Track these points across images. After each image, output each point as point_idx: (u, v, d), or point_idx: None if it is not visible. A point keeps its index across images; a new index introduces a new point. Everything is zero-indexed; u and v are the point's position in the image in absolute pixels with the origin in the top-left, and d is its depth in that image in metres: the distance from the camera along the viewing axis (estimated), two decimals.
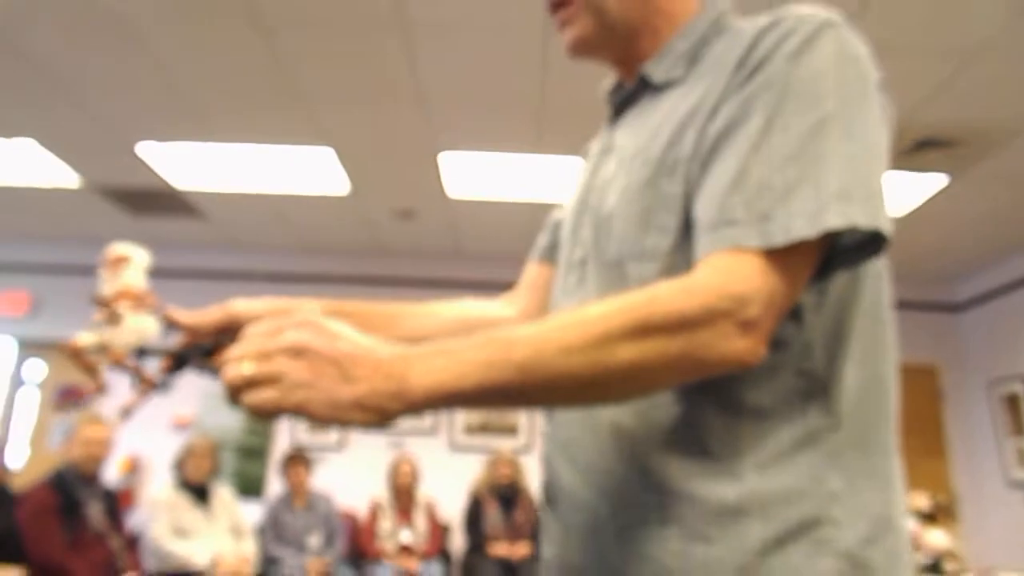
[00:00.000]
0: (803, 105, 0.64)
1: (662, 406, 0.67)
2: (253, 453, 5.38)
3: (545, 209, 3.72)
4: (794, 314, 0.66)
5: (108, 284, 0.84)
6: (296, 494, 4.30)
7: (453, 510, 4.76)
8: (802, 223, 0.60)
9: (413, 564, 4.19)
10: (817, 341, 0.67)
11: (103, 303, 0.83)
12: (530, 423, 5.53)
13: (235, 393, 0.57)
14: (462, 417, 5.47)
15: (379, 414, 0.55)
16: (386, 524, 4.39)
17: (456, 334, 0.63)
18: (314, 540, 4.12)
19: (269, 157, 4.08)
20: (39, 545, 2.83)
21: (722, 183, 0.64)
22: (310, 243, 5.56)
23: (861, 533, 0.63)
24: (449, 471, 5.05)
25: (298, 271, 5.71)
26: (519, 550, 4.29)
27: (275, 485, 4.92)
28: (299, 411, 0.55)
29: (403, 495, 4.49)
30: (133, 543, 3.47)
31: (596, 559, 0.70)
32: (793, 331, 0.66)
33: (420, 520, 4.46)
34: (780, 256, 0.60)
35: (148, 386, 0.81)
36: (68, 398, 5.54)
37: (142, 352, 0.81)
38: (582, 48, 0.85)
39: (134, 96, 3.52)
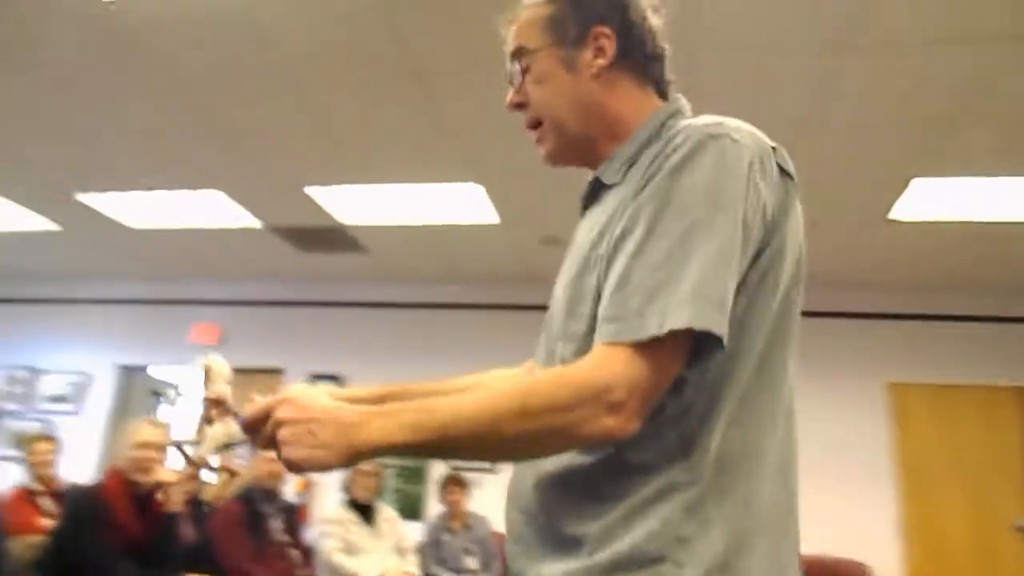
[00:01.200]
0: (676, 215, 0.76)
1: (567, 465, 0.82)
2: (413, 474, 5.60)
3: None
4: (676, 387, 0.77)
5: (204, 390, 1.01)
6: (454, 515, 4.41)
7: None
8: (655, 324, 0.72)
9: None
10: (694, 410, 0.78)
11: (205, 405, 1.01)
12: None
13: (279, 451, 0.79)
14: None
15: (338, 460, 0.75)
16: None
17: None
18: (471, 562, 4.21)
19: (424, 192, 4.31)
20: (229, 554, 3.11)
21: (611, 284, 0.78)
22: (462, 272, 5.77)
23: (698, 573, 0.74)
24: None
25: (450, 300, 5.93)
26: None
27: (434, 506, 5.08)
28: (301, 466, 0.76)
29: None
30: (309, 555, 3.72)
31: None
32: (675, 401, 0.78)
33: None
34: (644, 348, 0.73)
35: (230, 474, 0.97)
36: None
37: (227, 447, 0.97)
38: (554, 160, 1.01)
39: (301, 144, 3.86)
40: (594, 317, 0.81)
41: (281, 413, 0.78)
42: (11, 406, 6.38)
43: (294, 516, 3.55)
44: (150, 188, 4.56)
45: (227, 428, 0.95)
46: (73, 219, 5.14)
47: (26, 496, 3.50)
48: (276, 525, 3.33)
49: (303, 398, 0.79)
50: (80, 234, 5.43)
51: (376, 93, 3.27)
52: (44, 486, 3.55)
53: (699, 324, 0.73)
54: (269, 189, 4.44)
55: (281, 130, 3.72)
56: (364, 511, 3.84)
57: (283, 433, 0.77)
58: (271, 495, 3.36)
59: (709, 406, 0.79)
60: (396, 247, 5.27)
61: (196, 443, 0.97)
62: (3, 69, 3.32)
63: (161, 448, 2.83)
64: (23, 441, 3.97)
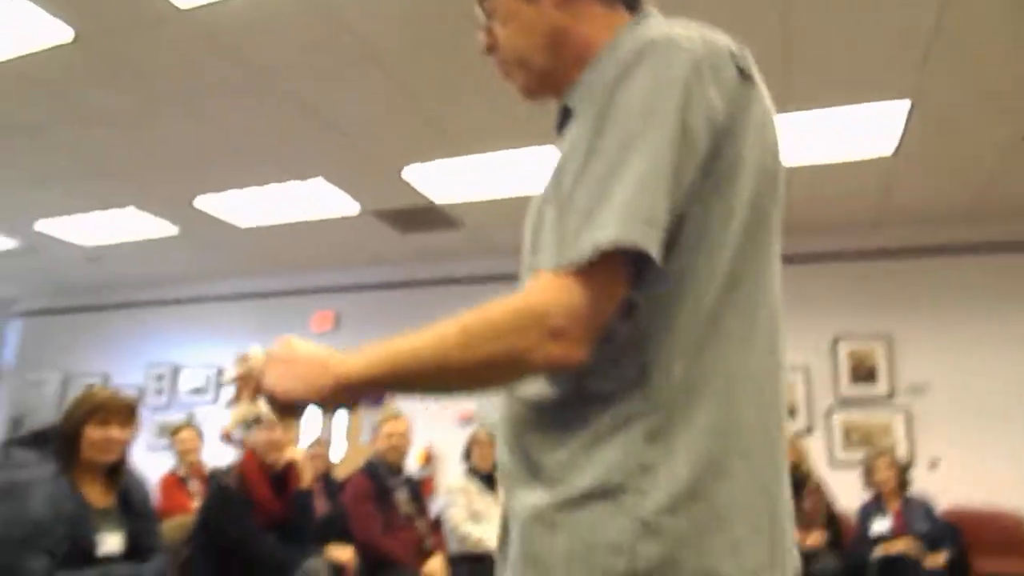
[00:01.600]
0: (613, 130, 0.73)
1: (537, 396, 0.81)
2: None
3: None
4: (628, 312, 0.74)
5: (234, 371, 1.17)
6: None
7: None
8: (586, 246, 0.70)
9: None
10: (652, 335, 0.75)
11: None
12: (809, 405, 5.11)
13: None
14: None
15: (314, 394, 0.79)
16: None
17: None
18: None
19: (515, 162, 4.27)
20: (361, 527, 3.25)
21: (557, 207, 0.76)
22: None
23: (660, 502, 0.71)
24: None
25: None
26: (810, 539, 3.97)
27: None
28: (288, 399, 0.81)
29: None
30: (436, 526, 3.83)
31: (507, 511, 0.85)
32: (629, 327, 0.75)
33: None
34: (582, 272, 0.70)
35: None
36: (370, 398, 6.32)
37: (250, 423, 1.06)
38: (529, 95, 0.99)
39: (394, 127, 3.91)
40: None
41: (272, 355, 0.85)
42: (157, 399, 6.94)
43: (418, 488, 3.65)
44: (260, 184, 4.77)
45: (251, 407, 1.02)
46: (190, 223, 5.47)
47: (176, 481, 3.79)
48: (402, 497, 3.44)
49: (294, 342, 0.84)
50: (197, 237, 5.78)
51: (454, 60, 3.24)
52: (191, 471, 3.83)
53: (623, 241, 0.69)
54: (367, 172, 4.54)
55: (372, 110, 3.77)
56: (486, 480, 3.91)
57: (270, 371, 0.83)
58: (395, 469, 3.47)
59: (668, 330, 0.76)
60: (492, 220, 5.29)
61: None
62: (114, 88, 3.54)
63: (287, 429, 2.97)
64: (170, 431, 4.30)
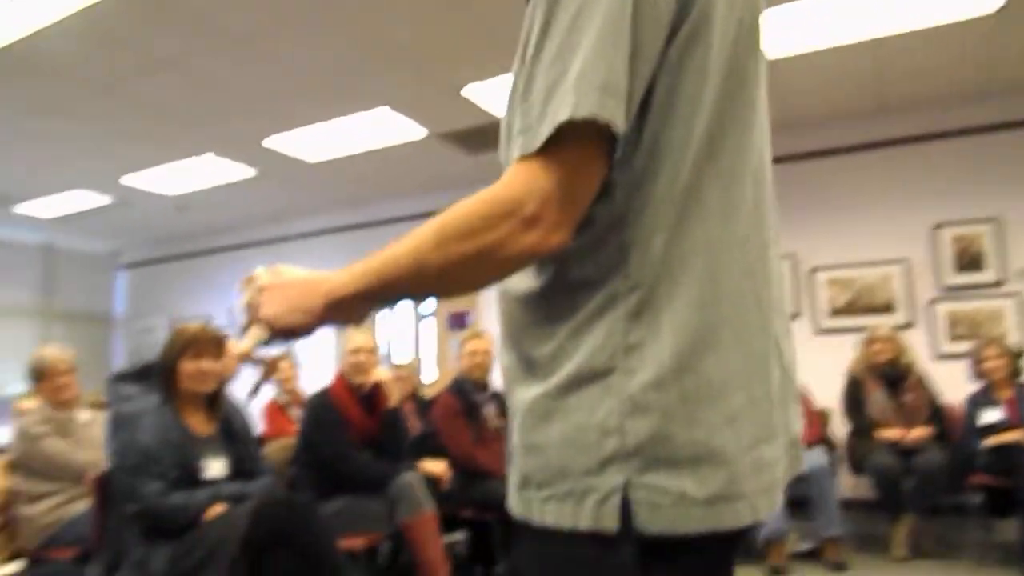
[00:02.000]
0: (564, 4, 0.68)
1: (525, 291, 0.80)
2: None
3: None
4: (606, 192, 0.71)
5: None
6: None
7: (827, 396, 4.43)
8: (546, 127, 0.66)
9: None
10: (629, 214, 0.72)
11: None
12: (909, 297, 4.84)
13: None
14: (825, 298, 5.02)
15: (308, 317, 0.80)
16: None
17: None
18: None
19: None
20: (452, 441, 3.34)
21: (517, 94, 0.72)
22: None
23: (647, 379, 0.70)
24: (817, 356, 4.69)
25: None
26: (914, 433, 3.82)
27: None
28: (279, 326, 0.83)
29: None
30: None
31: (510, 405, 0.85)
32: (606, 207, 0.72)
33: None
34: (549, 156, 0.67)
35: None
36: (455, 321, 6.44)
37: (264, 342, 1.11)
38: None
39: (452, 46, 3.79)
40: None
41: (261, 282, 0.86)
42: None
43: (504, 403, 3.71)
44: (326, 119, 4.78)
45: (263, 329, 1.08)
46: (265, 164, 5.58)
47: (277, 408, 4.00)
48: (490, 412, 3.50)
49: (286, 268, 0.86)
50: (273, 177, 5.90)
51: None
52: (291, 399, 4.03)
53: (580, 114, 0.65)
54: (429, 95, 4.46)
55: (429, 31, 3.67)
56: None
57: (263, 297, 0.85)
58: (480, 385, 3.53)
59: (646, 205, 0.73)
60: None
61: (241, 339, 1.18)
62: (179, 34, 3.57)
63: (373, 351, 3.05)
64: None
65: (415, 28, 3.59)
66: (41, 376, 3.15)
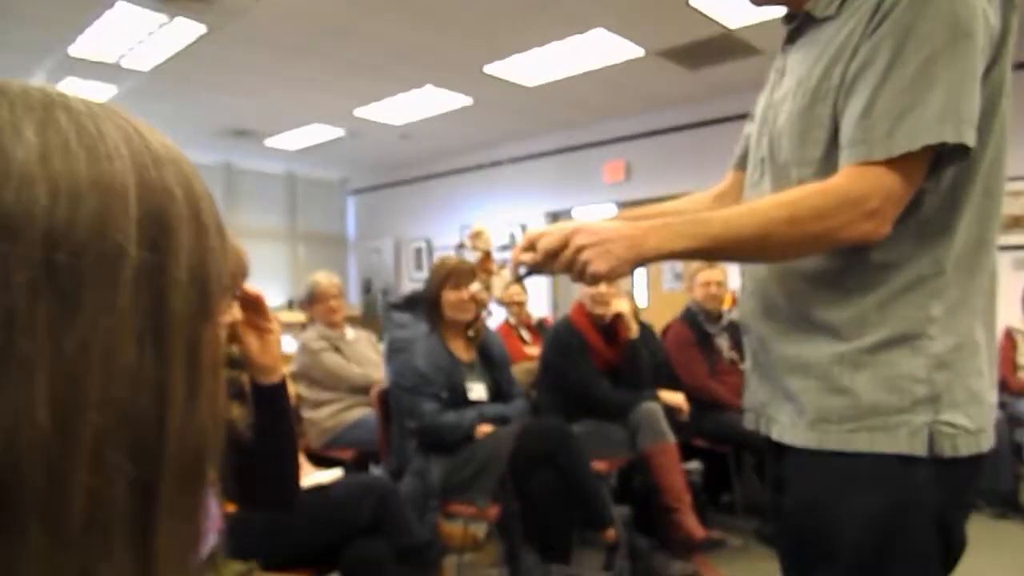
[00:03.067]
0: (917, 45, 0.86)
1: (812, 257, 0.99)
2: None
3: None
4: (918, 199, 0.92)
5: (474, 249, 1.31)
6: None
7: None
8: (907, 142, 0.86)
9: None
10: (932, 215, 0.94)
11: (476, 265, 1.28)
12: None
13: (581, 274, 0.97)
14: None
15: (630, 265, 0.95)
16: None
17: None
18: None
19: None
20: (687, 372, 3.33)
21: (856, 111, 0.91)
22: None
23: (948, 344, 0.93)
24: None
25: None
26: None
27: None
28: (600, 277, 0.95)
29: None
30: None
31: (764, 362, 1.10)
32: (913, 209, 0.93)
33: None
34: (894, 164, 0.88)
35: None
36: None
37: (511, 283, 1.20)
38: (762, 1, 1.12)
39: None
40: (830, 142, 0.96)
41: (579, 240, 0.95)
42: (472, 257, 7.70)
43: (739, 333, 3.61)
44: (541, 44, 4.75)
45: (503, 277, 1.24)
46: (481, 91, 5.70)
47: (509, 330, 4.21)
48: (724, 343, 3.43)
49: (592, 225, 0.96)
50: (490, 103, 6.03)
51: None
52: (520, 321, 4.21)
53: (954, 139, 0.85)
54: (650, 9, 4.25)
55: None
56: None
57: (586, 255, 0.95)
58: (714, 316, 3.45)
59: (952, 206, 0.93)
60: None
61: (486, 291, 1.29)
62: None
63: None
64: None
65: None
66: (315, 299, 3.55)
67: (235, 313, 1.21)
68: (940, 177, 0.92)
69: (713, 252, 0.96)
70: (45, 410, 0.29)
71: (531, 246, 1.03)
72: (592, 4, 4.16)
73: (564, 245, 0.96)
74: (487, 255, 1.33)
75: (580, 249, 0.95)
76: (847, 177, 0.90)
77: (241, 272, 1.16)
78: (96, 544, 0.31)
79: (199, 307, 0.35)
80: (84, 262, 0.30)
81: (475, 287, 1.32)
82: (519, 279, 1.11)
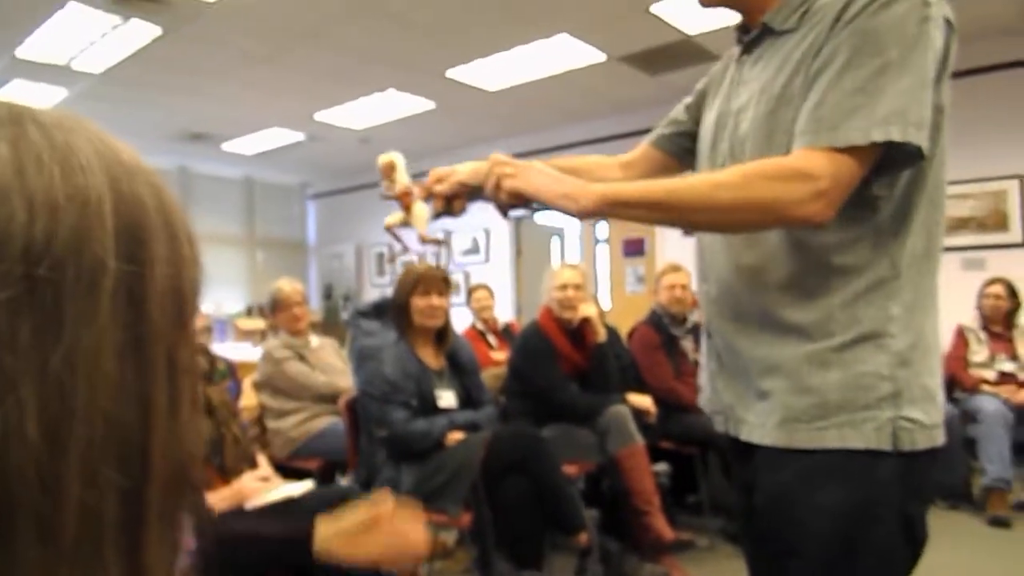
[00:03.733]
0: (873, 51, 0.91)
1: (776, 261, 1.03)
2: None
3: None
4: (871, 204, 0.97)
5: (392, 185, 1.30)
6: None
7: None
8: (856, 135, 0.90)
9: (1021, 395, 3.68)
10: (887, 221, 0.98)
11: (397, 198, 1.30)
12: None
13: (497, 187, 1.05)
14: None
15: (575, 204, 0.97)
16: (979, 352, 3.92)
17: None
18: None
19: None
20: (653, 375, 3.36)
21: (810, 105, 0.95)
22: None
23: (908, 342, 0.98)
24: None
25: None
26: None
27: None
28: (534, 193, 1.01)
29: (995, 321, 3.92)
30: None
31: (732, 364, 1.13)
32: (870, 215, 0.98)
33: (1022, 347, 3.85)
34: (842, 154, 0.91)
35: (439, 243, 1.41)
36: (631, 248, 6.38)
37: (436, 217, 1.25)
38: (711, 3, 1.13)
39: None
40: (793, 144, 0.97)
41: (501, 165, 1.05)
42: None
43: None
44: (506, 48, 4.76)
45: (422, 209, 1.25)
46: (444, 95, 5.68)
47: (476, 334, 4.21)
48: (688, 346, 3.48)
49: (538, 166, 1.05)
50: (452, 107, 6.01)
51: None
52: (487, 326, 4.21)
53: (900, 138, 0.89)
54: (612, 15, 4.30)
55: None
56: None
57: (508, 170, 1.03)
58: (679, 319, 3.50)
59: (904, 213, 0.98)
60: None
61: (407, 225, 1.30)
62: None
63: (580, 287, 3.09)
64: (466, 291, 4.71)
65: None
66: (278, 307, 3.49)
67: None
68: (894, 183, 0.96)
69: (663, 205, 0.96)
70: (34, 424, 0.29)
71: (439, 179, 1.21)
72: (555, 10, 4.19)
73: (489, 168, 1.06)
74: (407, 188, 1.31)
75: (503, 166, 1.04)
76: (799, 156, 0.93)
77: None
78: (89, 554, 0.31)
79: (176, 316, 0.35)
80: (65, 276, 0.30)
81: (392, 219, 1.31)
82: (441, 214, 1.20)
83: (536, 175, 1.02)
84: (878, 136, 0.88)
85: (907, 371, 0.97)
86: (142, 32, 4.32)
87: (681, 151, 1.34)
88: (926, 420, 0.97)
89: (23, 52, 4.56)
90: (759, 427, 1.06)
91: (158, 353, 0.34)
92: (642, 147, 1.41)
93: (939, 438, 0.99)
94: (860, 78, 0.90)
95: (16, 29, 4.24)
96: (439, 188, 1.22)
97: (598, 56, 4.91)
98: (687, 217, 0.98)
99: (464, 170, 1.20)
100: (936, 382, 1.01)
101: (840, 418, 0.98)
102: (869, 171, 0.93)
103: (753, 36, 1.09)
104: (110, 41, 4.45)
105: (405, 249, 1.43)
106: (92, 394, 0.31)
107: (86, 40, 4.42)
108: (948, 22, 0.95)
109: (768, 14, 1.06)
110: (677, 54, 4.92)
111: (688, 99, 1.35)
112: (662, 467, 3.17)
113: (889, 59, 0.90)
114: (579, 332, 3.09)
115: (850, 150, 0.90)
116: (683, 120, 1.34)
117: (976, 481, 3.63)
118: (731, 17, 1.15)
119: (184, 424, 0.36)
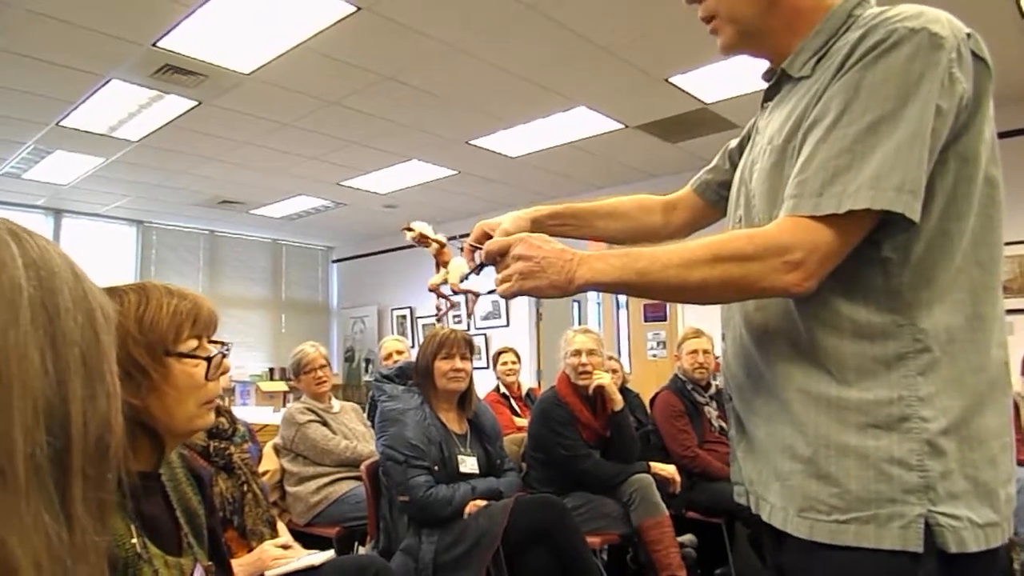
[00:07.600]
0: (866, 105, 0.85)
1: (786, 321, 0.95)
2: None
3: None
4: (883, 268, 0.88)
5: (433, 247, 1.40)
6: None
7: None
8: (833, 203, 0.84)
9: None
10: (905, 289, 0.88)
11: (436, 256, 1.39)
12: None
13: (506, 279, 1.00)
14: None
15: (558, 291, 0.96)
16: None
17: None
18: None
19: None
20: (676, 442, 3.31)
21: (797, 166, 0.90)
22: None
23: (941, 426, 0.85)
24: None
25: None
26: None
27: None
28: (525, 292, 0.98)
29: None
30: None
31: (750, 435, 1.04)
32: (882, 281, 0.88)
33: None
34: (824, 221, 0.85)
35: (475, 295, 1.38)
36: (652, 313, 6.37)
37: (466, 277, 1.28)
38: (729, 51, 1.06)
39: (657, 36, 3.71)
40: None
41: (520, 249, 0.98)
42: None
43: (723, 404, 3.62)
44: (527, 120, 4.89)
45: (459, 264, 1.31)
46: (465, 161, 5.82)
47: (499, 399, 4.18)
48: (712, 411, 3.43)
49: (536, 240, 0.99)
50: (474, 174, 6.14)
51: None
52: (511, 391, 4.19)
53: (878, 206, 0.82)
54: (631, 88, 4.41)
55: (632, 22, 3.61)
56: None
57: (519, 266, 0.98)
58: (702, 384, 3.46)
59: (923, 282, 0.87)
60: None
61: (444, 282, 1.38)
62: (392, 50, 3.80)
63: (594, 353, 3.08)
64: (492, 355, 4.70)
65: (617, 21, 3.53)
66: (301, 369, 3.51)
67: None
68: (909, 245, 0.87)
69: (638, 286, 0.93)
70: None
71: (484, 236, 1.17)
72: (573, 84, 4.31)
73: (505, 252, 1.00)
74: (442, 244, 1.39)
75: (518, 259, 0.98)
76: (777, 227, 0.88)
77: (209, 324, 1.14)
78: (37, 497, 0.43)
79: (87, 328, 0.48)
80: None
81: (434, 280, 1.35)
82: (478, 269, 1.20)
83: (543, 272, 0.96)
84: (852, 205, 0.83)
85: (942, 461, 0.85)
86: (178, 103, 4.51)
87: (718, 199, 1.30)
88: (976, 518, 0.84)
89: (67, 122, 4.77)
90: (781, 510, 0.95)
91: (71, 353, 0.47)
92: (687, 189, 1.38)
93: (999, 536, 0.86)
94: (849, 137, 0.85)
95: (64, 103, 4.45)
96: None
97: (617, 125, 5.03)
98: (666, 297, 0.98)
99: (507, 224, 1.21)
100: (995, 474, 0.87)
101: (862, 512, 0.86)
102: (870, 233, 0.86)
103: (773, 81, 1.05)
104: (148, 111, 4.64)
105: (451, 306, 1.48)
106: (24, 379, 0.43)
107: (125, 111, 4.62)
108: (977, 56, 0.87)
109: (788, 59, 1.00)
110: (695, 123, 5.02)
111: (732, 143, 1.30)
112: (688, 538, 3.09)
113: (883, 113, 0.83)
114: (598, 398, 3.07)
115: (830, 218, 0.84)
116: (722, 168, 1.31)
117: (1018, 555, 3.48)
118: (749, 85, 1.17)
119: (102, 407, 0.48)
